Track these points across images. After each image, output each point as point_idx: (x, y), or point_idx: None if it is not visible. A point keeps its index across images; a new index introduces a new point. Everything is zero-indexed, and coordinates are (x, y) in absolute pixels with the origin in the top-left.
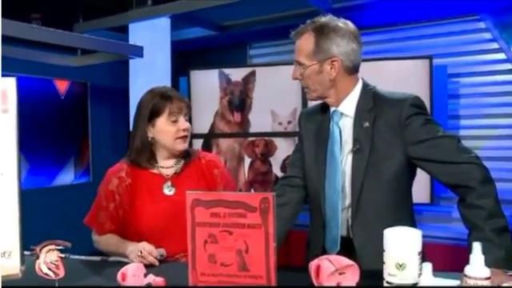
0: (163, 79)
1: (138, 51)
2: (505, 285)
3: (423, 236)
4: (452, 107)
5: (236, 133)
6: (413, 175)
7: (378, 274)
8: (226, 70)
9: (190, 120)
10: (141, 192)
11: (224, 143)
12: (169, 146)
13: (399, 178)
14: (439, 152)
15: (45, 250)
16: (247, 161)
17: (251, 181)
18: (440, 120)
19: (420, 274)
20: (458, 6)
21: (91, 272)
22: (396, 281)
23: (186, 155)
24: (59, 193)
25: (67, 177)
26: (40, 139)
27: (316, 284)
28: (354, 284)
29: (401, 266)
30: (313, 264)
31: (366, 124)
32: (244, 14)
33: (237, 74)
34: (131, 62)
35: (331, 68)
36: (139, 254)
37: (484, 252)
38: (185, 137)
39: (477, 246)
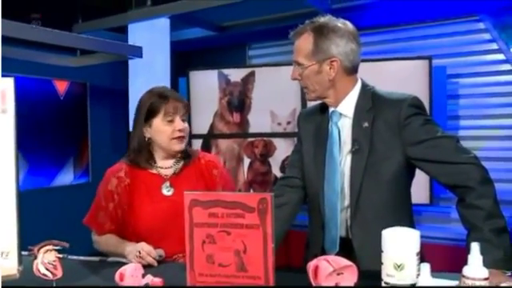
0: (162, 80)
1: (138, 52)
2: (503, 285)
3: (422, 236)
4: (451, 108)
5: (235, 133)
6: (412, 175)
7: (377, 275)
8: (226, 71)
9: (189, 120)
10: (139, 192)
11: (223, 144)
12: (165, 147)
13: (398, 178)
14: (438, 152)
15: (42, 250)
16: (246, 161)
17: (250, 181)
18: (439, 120)
19: (418, 275)
20: (458, 6)
21: (89, 272)
22: (394, 281)
23: (185, 156)
24: (58, 193)
25: (66, 177)
26: (39, 139)
27: (314, 284)
28: (352, 284)
29: (399, 266)
30: (311, 264)
31: (365, 124)
32: (243, 15)
33: (236, 75)
34: (130, 62)
35: (330, 68)
36: (137, 254)
37: (483, 252)
38: (181, 137)
39: (475, 247)
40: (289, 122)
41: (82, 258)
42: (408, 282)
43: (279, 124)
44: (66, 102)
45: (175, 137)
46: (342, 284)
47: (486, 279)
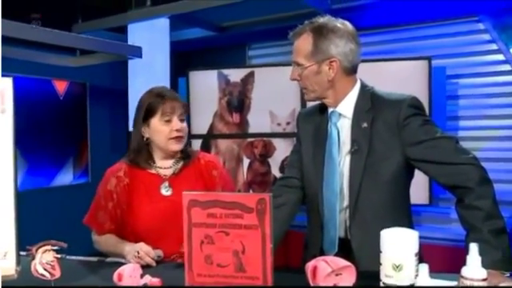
0: (162, 80)
1: (137, 52)
2: (502, 285)
3: (421, 237)
4: (451, 108)
5: (235, 133)
6: (411, 176)
7: (376, 275)
8: (225, 71)
9: (188, 121)
10: (138, 192)
11: (223, 144)
12: (163, 147)
13: (397, 178)
14: (437, 153)
15: (40, 250)
16: (246, 161)
17: (250, 181)
18: (439, 121)
19: (417, 276)
20: (457, 7)
21: (87, 273)
22: (392, 282)
23: (185, 156)
24: (58, 193)
25: (66, 177)
26: (39, 140)
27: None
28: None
29: (397, 267)
30: (309, 265)
31: (364, 125)
32: (243, 15)
33: (236, 75)
34: (130, 62)
35: (329, 69)
36: (136, 254)
37: (481, 253)
38: (178, 137)
39: (473, 247)
40: (288, 123)
41: (80, 258)
42: (406, 282)
43: (279, 124)
44: (65, 102)
45: (172, 137)
46: (341, 285)
47: (484, 280)
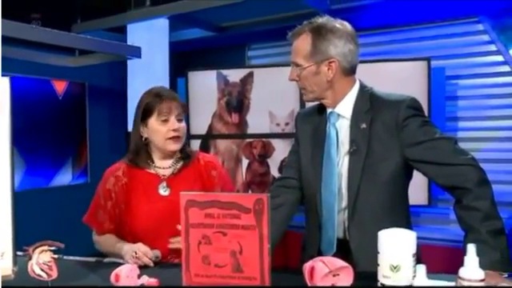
0: (161, 80)
1: (136, 52)
2: (500, 285)
3: (420, 238)
4: (450, 109)
5: (234, 134)
6: (409, 177)
7: (374, 276)
8: (224, 71)
9: (187, 121)
10: (136, 192)
11: (222, 144)
12: (160, 147)
13: (396, 179)
14: (436, 154)
15: (37, 250)
16: (245, 162)
17: (249, 182)
18: (438, 122)
19: (414, 276)
20: (457, 8)
21: (85, 273)
22: (390, 283)
23: (185, 156)
24: (57, 193)
25: (65, 177)
26: (38, 140)
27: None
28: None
29: (395, 267)
30: (307, 266)
31: (363, 125)
32: (242, 15)
33: (235, 75)
34: (129, 62)
35: (328, 69)
36: (134, 254)
37: (480, 254)
38: (176, 137)
39: (471, 248)
40: (287, 123)
41: (77, 258)
42: (404, 283)
43: (278, 125)
44: (64, 102)
45: (170, 137)
46: (338, 285)
47: (482, 280)
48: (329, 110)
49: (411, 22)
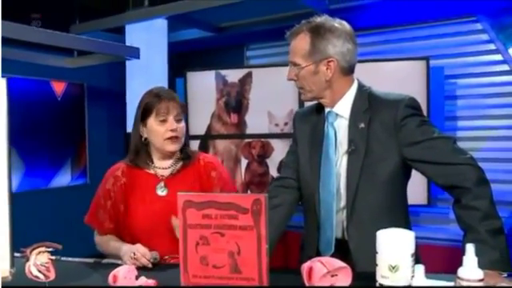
0: (160, 80)
1: (135, 52)
2: (499, 285)
3: (420, 237)
4: (449, 108)
5: (233, 134)
6: (408, 176)
7: (373, 276)
8: (223, 72)
9: (186, 121)
10: (135, 192)
11: (221, 144)
12: (159, 147)
13: (394, 179)
14: (434, 153)
15: (35, 252)
16: (244, 162)
17: (248, 182)
18: (437, 121)
19: (413, 276)
20: (455, 7)
21: (83, 274)
22: (388, 283)
23: (185, 157)
24: (56, 195)
25: (64, 178)
26: (36, 141)
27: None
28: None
29: (393, 267)
30: (305, 266)
31: (362, 125)
32: (241, 16)
33: (233, 75)
34: (128, 63)
35: (327, 69)
36: (132, 255)
37: (479, 253)
38: (174, 137)
39: (470, 248)
40: (286, 123)
41: (76, 259)
42: (402, 283)
43: (276, 125)
44: (63, 102)
45: (168, 137)
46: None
47: (480, 280)
48: (327, 110)
49: (410, 21)
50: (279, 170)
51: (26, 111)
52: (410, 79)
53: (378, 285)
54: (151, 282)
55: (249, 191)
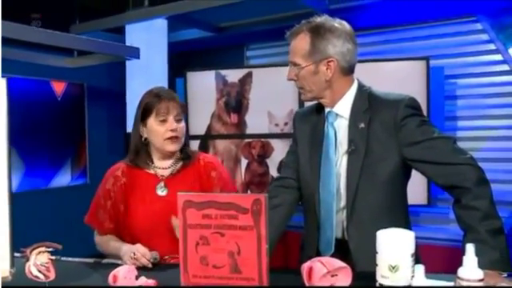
0: (160, 80)
1: (135, 52)
2: (499, 285)
3: (420, 237)
4: (449, 108)
5: (232, 134)
6: (408, 176)
7: (373, 276)
8: (223, 71)
9: (186, 121)
10: (135, 192)
11: (221, 144)
12: (159, 147)
13: (394, 179)
14: (434, 153)
15: (35, 252)
16: (244, 162)
17: (248, 182)
18: (437, 121)
19: (413, 276)
20: (455, 7)
21: (83, 274)
22: (388, 283)
23: (185, 157)
24: (56, 195)
25: (64, 178)
26: (36, 141)
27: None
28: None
29: (393, 267)
30: (305, 266)
31: (362, 125)
32: (241, 16)
33: (233, 75)
34: (128, 63)
35: (327, 68)
36: (132, 255)
37: (479, 253)
38: (174, 137)
39: (470, 248)
40: (286, 123)
41: (76, 259)
42: (402, 283)
43: (276, 125)
44: (63, 102)
45: (168, 137)
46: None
47: (480, 280)
48: (327, 110)
49: (410, 21)
50: (279, 170)
51: (26, 111)
52: (409, 79)
53: (377, 285)
54: (151, 282)
55: (249, 191)
